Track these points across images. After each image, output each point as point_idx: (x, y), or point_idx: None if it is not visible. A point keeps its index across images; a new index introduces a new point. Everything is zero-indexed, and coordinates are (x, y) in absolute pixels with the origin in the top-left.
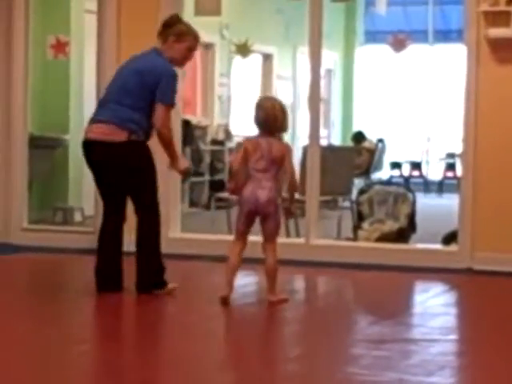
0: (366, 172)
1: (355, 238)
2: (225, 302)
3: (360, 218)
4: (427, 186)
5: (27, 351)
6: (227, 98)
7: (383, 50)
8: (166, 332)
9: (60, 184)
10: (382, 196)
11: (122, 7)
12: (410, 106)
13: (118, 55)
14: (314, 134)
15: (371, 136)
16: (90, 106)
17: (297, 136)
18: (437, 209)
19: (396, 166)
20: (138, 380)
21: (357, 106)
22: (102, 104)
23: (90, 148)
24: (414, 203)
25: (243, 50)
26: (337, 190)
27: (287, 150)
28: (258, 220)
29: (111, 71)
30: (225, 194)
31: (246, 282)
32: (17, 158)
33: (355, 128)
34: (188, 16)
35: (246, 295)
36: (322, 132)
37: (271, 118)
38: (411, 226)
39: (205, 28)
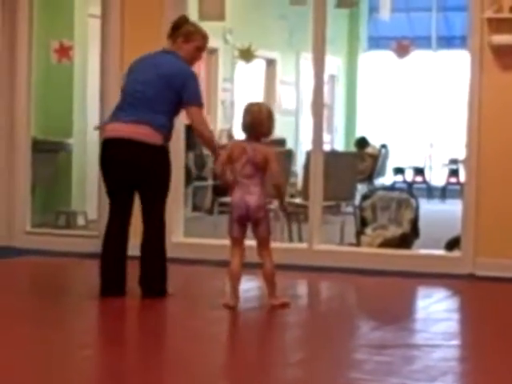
0: (369, 177)
1: (358, 244)
2: (232, 310)
3: (363, 223)
4: (430, 191)
5: (30, 355)
6: (230, 103)
7: (387, 55)
8: (169, 336)
9: (63, 188)
10: (385, 201)
11: (126, 12)
12: (414, 111)
13: (121, 60)
14: (318, 139)
15: (374, 141)
16: (93, 111)
17: (300, 141)
18: (440, 214)
19: (399, 171)
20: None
21: (360, 112)
22: (129, 104)
23: (118, 146)
24: (417, 209)
25: (247, 55)
26: (340, 195)
27: (271, 155)
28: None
29: (115, 75)
30: (228, 199)
31: (247, 287)
32: (20, 161)
33: (358, 133)
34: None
35: (248, 300)
36: (326, 137)
37: (257, 121)
38: (414, 231)
39: (208, 33)
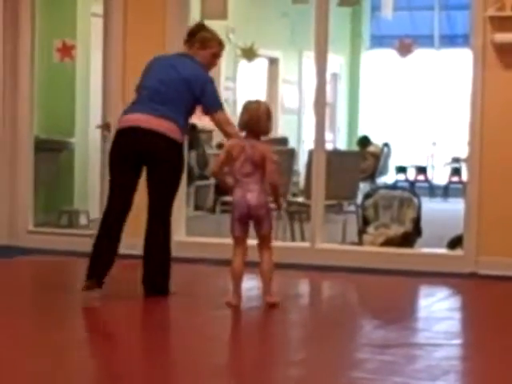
0: (372, 176)
1: (360, 243)
2: (235, 309)
3: (365, 222)
4: (432, 190)
5: (32, 354)
6: (233, 101)
7: (389, 54)
8: (172, 335)
9: (66, 187)
10: (388, 200)
11: (129, 10)
12: (416, 110)
13: (124, 58)
14: (320, 138)
15: (377, 140)
16: (95, 110)
17: (302, 140)
18: (442, 213)
19: (401, 170)
20: (142, 383)
21: (362, 111)
22: (150, 100)
23: (141, 136)
24: (419, 208)
25: (249, 53)
26: (342, 194)
27: (268, 152)
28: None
29: (117, 74)
30: (230, 198)
31: (249, 286)
32: (22, 160)
33: (361, 132)
34: (194, 20)
35: (250, 299)
36: (328, 136)
37: (254, 118)
38: (416, 230)
39: None
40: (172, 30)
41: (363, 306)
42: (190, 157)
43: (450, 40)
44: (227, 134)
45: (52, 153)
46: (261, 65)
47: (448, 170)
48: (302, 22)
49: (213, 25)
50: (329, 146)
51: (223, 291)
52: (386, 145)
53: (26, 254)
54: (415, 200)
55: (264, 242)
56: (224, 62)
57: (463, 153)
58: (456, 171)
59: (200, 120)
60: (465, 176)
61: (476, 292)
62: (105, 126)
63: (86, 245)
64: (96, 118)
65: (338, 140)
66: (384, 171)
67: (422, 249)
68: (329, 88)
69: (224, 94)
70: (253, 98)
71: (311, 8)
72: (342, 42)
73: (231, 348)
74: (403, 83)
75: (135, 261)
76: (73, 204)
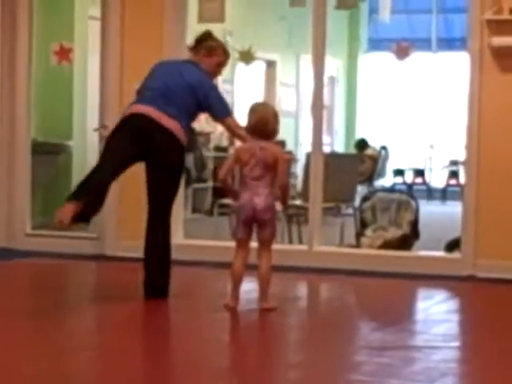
0: (369, 179)
1: (358, 245)
2: (231, 310)
3: (363, 225)
4: (430, 193)
5: (30, 356)
6: (230, 104)
7: (386, 57)
8: (169, 338)
9: (63, 190)
10: (385, 203)
11: (126, 14)
12: (413, 113)
13: (121, 61)
14: (317, 141)
15: (374, 143)
16: (93, 113)
17: (300, 143)
18: (440, 216)
19: (399, 173)
20: None
21: (360, 114)
22: (153, 98)
23: (149, 124)
24: (417, 210)
25: (246, 57)
26: (340, 197)
27: (280, 153)
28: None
29: (115, 77)
30: (228, 201)
31: (248, 289)
32: (20, 163)
33: (358, 135)
34: (191, 23)
35: (248, 301)
36: (325, 139)
37: (263, 121)
38: (414, 233)
39: None
40: (169, 33)
41: (361, 308)
42: (187, 159)
43: (448, 43)
44: (240, 137)
45: (50, 155)
46: (258, 68)
47: (446, 172)
48: (299, 25)
49: (210, 28)
50: (326, 149)
51: (222, 294)
52: (383, 148)
53: (24, 256)
54: (413, 203)
55: (264, 246)
56: None
57: (461, 156)
58: (454, 174)
59: (198, 122)
60: (462, 179)
61: (474, 295)
62: (102, 127)
63: (84, 247)
64: (93, 120)
65: (336, 143)
66: (382, 174)
67: (419, 251)
68: (326, 91)
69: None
70: (259, 101)
71: (309, 11)
72: (340, 45)
73: (230, 351)
74: (401, 86)
75: (135, 263)
76: None
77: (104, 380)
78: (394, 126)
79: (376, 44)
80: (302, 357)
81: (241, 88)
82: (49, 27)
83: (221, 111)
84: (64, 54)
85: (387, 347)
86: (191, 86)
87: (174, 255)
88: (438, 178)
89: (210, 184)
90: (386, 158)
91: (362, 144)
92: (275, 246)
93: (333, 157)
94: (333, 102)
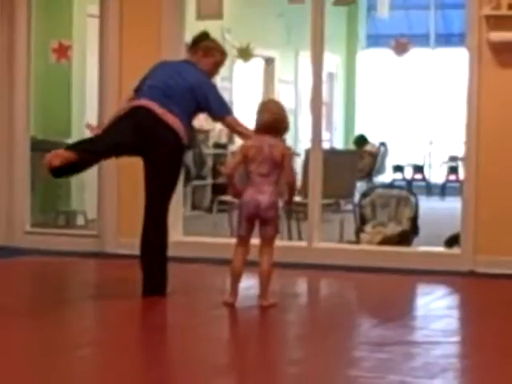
0: (369, 175)
1: (358, 241)
2: (230, 307)
3: (362, 221)
4: (430, 189)
5: (29, 355)
6: (229, 102)
7: (385, 53)
8: (168, 335)
9: (63, 187)
10: (385, 199)
11: (124, 11)
12: (412, 109)
13: (120, 59)
14: (316, 137)
15: (373, 139)
16: (92, 110)
17: (299, 139)
18: (439, 212)
19: (398, 169)
20: (140, 383)
21: (359, 110)
22: (152, 95)
23: (155, 121)
24: (416, 206)
25: (245, 54)
26: (339, 193)
27: (287, 151)
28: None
29: (113, 75)
30: (227, 198)
31: (248, 285)
32: (19, 161)
33: (357, 131)
34: (190, 20)
35: (248, 298)
36: (325, 135)
37: (279, 118)
38: (414, 228)
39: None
40: (168, 31)
41: (361, 304)
42: (186, 157)
43: (446, 39)
44: (241, 135)
45: (48, 153)
46: (257, 65)
47: (445, 168)
48: (298, 22)
49: (208, 25)
50: (326, 146)
51: (221, 291)
52: (382, 144)
53: (24, 254)
54: (412, 199)
55: (265, 244)
56: None
57: (460, 151)
58: (453, 170)
59: (197, 120)
60: (462, 174)
61: (473, 290)
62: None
63: (84, 245)
64: (92, 118)
65: (335, 139)
66: (381, 170)
67: (419, 247)
68: (325, 87)
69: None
70: (269, 98)
71: (307, 8)
72: (338, 42)
73: (229, 347)
74: (399, 82)
75: (134, 261)
76: (70, 204)
77: (102, 377)
78: (393, 122)
79: (374, 40)
80: (301, 353)
81: (239, 85)
82: (47, 24)
83: (220, 110)
84: (63, 51)
85: (387, 343)
86: (190, 85)
87: (174, 252)
88: (437, 174)
89: (209, 181)
90: (385, 154)
91: (362, 140)
92: (274, 243)
93: (332, 153)
94: (332, 99)
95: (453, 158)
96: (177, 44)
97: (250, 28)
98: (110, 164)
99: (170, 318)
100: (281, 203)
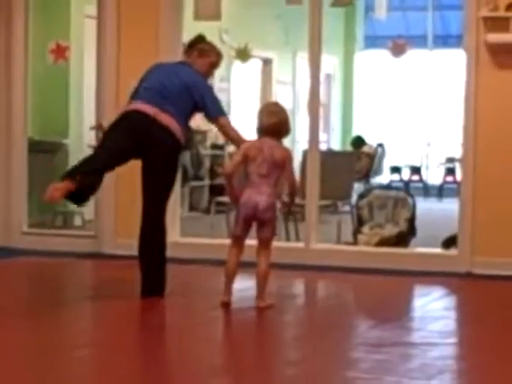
0: (366, 176)
1: (355, 243)
2: (226, 306)
3: (360, 222)
4: (427, 190)
5: (26, 356)
6: (227, 103)
7: (383, 54)
8: (166, 335)
9: None
10: (382, 200)
11: (122, 12)
12: (410, 110)
13: (117, 60)
14: (314, 138)
15: (371, 141)
16: (89, 111)
17: (296, 140)
18: (436, 213)
19: (396, 170)
20: None
21: (356, 111)
22: (149, 97)
23: (146, 121)
24: (413, 207)
25: (243, 54)
26: (336, 194)
27: (289, 153)
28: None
29: (111, 76)
30: (225, 199)
31: (244, 287)
32: (17, 162)
33: (355, 133)
34: (187, 21)
35: (244, 299)
36: (322, 137)
37: (283, 121)
38: (411, 230)
39: (204, 33)
40: (165, 32)
41: (358, 305)
42: (184, 157)
43: (444, 40)
44: (231, 139)
45: (46, 154)
46: (255, 66)
47: (442, 170)
48: (295, 23)
49: (206, 26)
50: (323, 147)
51: (218, 292)
52: (380, 145)
53: (21, 255)
54: (410, 200)
55: (263, 246)
56: None
57: (457, 153)
58: (450, 171)
59: (194, 121)
60: (459, 176)
61: (470, 291)
62: (99, 127)
63: (81, 246)
64: (90, 119)
65: (332, 140)
66: (378, 171)
67: (416, 248)
68: (323, 89)
69: (218, 96)
70: (271, 101)
71: (305, 9)
72: (336, 43)
73: (226, 348)
74: (397, 84)
75: (132, 261)
76: (67, 205)
77: (99, 377)
78: (391, 124)
79: (372, 41)
80: (298, 354)
81: (237, 86)
82: (45, 26)
83: (214, 110)
84: (60, 52)
85: (384, 344)
86: (187, 85)
87: (171, 253)
88: (434, 175)
89: (206, 182)
90: (382, 155)
91: (359, 141)
92: (272, 244)
93: (329, 154)
94: (329, 100)
95: (450, 160)
96: (174, 45)
97: (248, 29)
98: None
99: (167, 318)
100: (279, 205)
